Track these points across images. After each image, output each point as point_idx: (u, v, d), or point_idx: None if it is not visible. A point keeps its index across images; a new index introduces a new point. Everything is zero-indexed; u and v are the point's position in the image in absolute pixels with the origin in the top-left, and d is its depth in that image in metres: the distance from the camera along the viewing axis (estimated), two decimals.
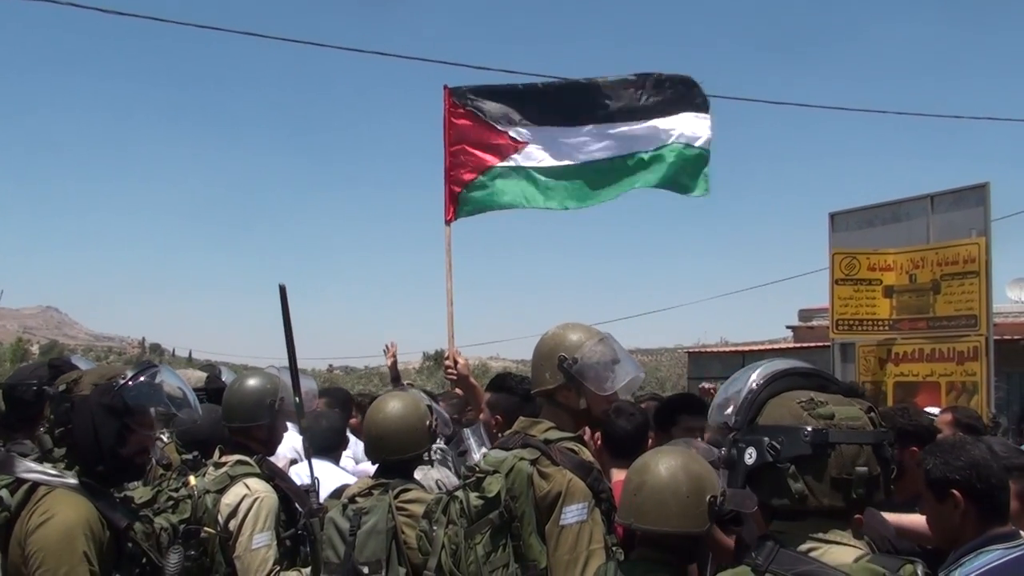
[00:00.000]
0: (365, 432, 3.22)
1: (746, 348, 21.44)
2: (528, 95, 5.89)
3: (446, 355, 4.49)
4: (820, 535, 1.66)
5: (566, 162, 5.81)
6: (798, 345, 17.32)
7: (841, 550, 1.64)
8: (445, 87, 5.72)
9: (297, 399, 3.25)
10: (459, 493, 2.69)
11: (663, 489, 2.30)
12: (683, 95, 5.95)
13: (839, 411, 1.71)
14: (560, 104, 5.87)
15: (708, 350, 22.25)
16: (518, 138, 5.73)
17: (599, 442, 3.46)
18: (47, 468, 2.40)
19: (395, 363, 6.24)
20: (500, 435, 2.99)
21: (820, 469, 1.66)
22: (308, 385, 4.32)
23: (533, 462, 2.64)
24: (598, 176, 5.86)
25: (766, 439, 1.69)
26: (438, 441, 3.49)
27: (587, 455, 2.75)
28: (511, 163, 5.72)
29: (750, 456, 1.71)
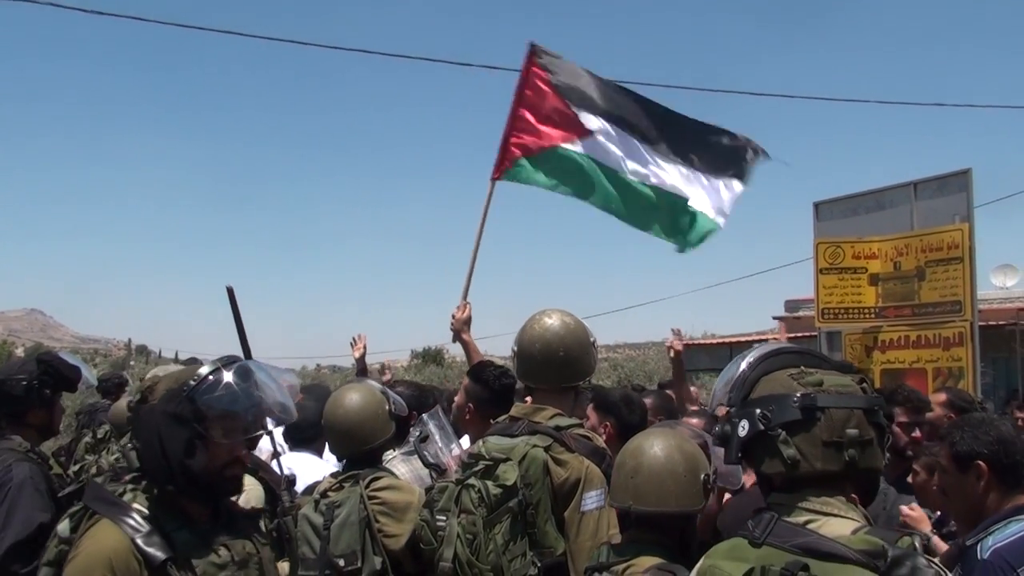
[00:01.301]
0: (327, 429, 3.15)
1: (733, 340, 21.50)
2: (607, 89, 5.76)
3: (458, 305, 4.70)
4: (817, 506, 1.67)
5: (622, 172, 5.66)
6: (785, 335, 17.39)
7: (839, 522, 1.64)
8: (531, 44, 5.57)
9: None
10: (473, 481, 2.65)
11: (661, 470, 2.32)
12: (732, 158, 5.96)
13: (828, 378, 1.73)
14: (637, 115, 5.75)
15: (696, 342, 22.27)
16: (587, 125, 5.58)
17: (609, 431, 3.47)
18: (107, 493, 2.13)
19: (363, 356, 6.10)
20: (493, 422, 2.95)
21: (811, 433, 1.67)
22: (289, 379, 4.29)
23: (546, 449, 2.64)
24: (635, 198, 5.73)
25: (758, 410, 1.72)
26: (413, 432, 3.44)
27: (599, 442, 2.77)
28: (576, 147, 5.56)
29: (743, 428, 1.73)
